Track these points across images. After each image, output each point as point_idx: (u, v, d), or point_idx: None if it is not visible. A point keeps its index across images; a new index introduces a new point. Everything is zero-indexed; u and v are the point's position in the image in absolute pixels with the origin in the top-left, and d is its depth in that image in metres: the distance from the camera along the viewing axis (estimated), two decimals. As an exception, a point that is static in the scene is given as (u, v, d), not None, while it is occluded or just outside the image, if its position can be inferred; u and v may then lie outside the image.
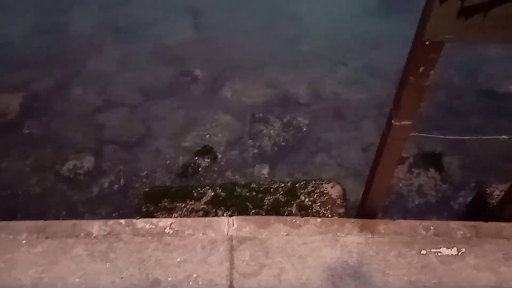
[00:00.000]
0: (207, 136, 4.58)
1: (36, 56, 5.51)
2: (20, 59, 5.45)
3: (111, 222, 2.98)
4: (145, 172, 4.24)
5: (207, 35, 5.99)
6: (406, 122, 2.33)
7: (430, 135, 2.78)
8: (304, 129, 4.73)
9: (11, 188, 4.08)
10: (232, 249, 2.81)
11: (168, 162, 4.34)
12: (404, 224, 2.98)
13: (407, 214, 3.81)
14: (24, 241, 2.84)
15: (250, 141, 4.58)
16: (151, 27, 6.02)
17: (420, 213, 3.84)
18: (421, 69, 2.09)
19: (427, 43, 1.98)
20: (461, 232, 2.89)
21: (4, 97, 4.81)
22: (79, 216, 3.84)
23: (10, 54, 5.54)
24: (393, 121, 2.34)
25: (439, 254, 2.79)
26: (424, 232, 2.90)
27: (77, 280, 2.64)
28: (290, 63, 5.53)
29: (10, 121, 4.63)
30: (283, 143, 4.57)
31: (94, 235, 2.88)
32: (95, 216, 3.80)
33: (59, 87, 5.10)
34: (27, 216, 3.76)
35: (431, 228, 2.92)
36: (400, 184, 4.10)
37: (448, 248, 2.81)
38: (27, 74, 5.19)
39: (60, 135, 4.56)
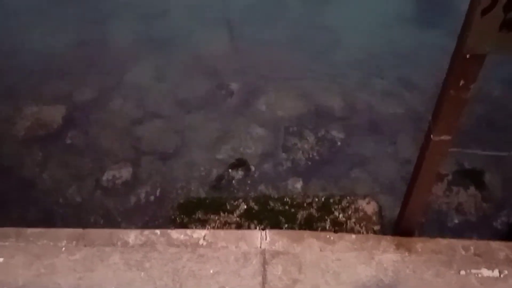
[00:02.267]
0: (241, 148, 4.60)
1: (77, 67, 5.73)
2: (62, 71, 5.67)
3: (147, 232, 3.04)
4: (180, 183, 4.31)
5: (241, 47, 6.06)
6: (445, 137, 2.27)
7: (470, 151, 2.70)
8: (339, 143, 4.69)
9: (53, 195, 4.23)
10: (264, 263, 2.80)
11: (202, 174, 4.39)
12: (443, 242, 2.88)
13: (445, 233, 3.68)
14: (63, 248, 2.94)
15: (284, 154, 4.57)
16: (188, 39, 6.15)
17: (460, 232, 3.70)
18: (462, 82, 2.05)
19: (467, 56, 1.94)
20: (503, 253, 2.77)
21: (49, 109, 5.02)
22: (116, 225, 3.92)
23: (52, 66, 5.77)
24: (432, 135, 2.29)
25: (479, 275, 2.68)
26: (463, 252, 2.80)
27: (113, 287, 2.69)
28: (324, 75, 5.51)
29: (53, 132, 4.82)
30: (317, 157, 4.54)
31: (130, 244, 2.94)
32: (131, 225, 3.87)
33: (99, 99, 5.27)
34: (66, 224, 3.89)
35: (471, 247, 2.81)
36: (439, 202, 3.98)
37: (489, 269, 2.70)
38: (68, 86, 5.40)
39: (99, 145, 4.70)
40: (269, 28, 6.32)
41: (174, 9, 6.68)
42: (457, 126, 2.27)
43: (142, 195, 4.20)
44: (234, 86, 5.40)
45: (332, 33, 6.18)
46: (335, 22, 6.34)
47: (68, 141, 4.76)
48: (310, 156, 4.55)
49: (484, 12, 1.85)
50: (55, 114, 4.94)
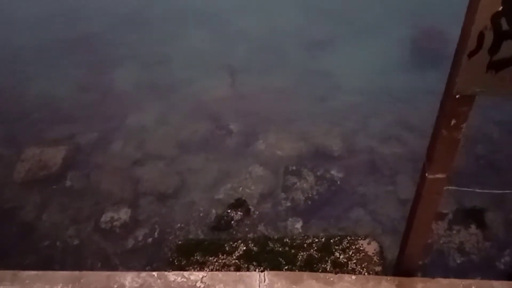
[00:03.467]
0: (241, 188, 4.61)
1: (80, 112, 5.84)
2: (65, 115, 5.78)
3: (144, 274, 3.00)
4: (179, 224, 4.28)
5: (242, 92, 6.19)
6: (440, 175, 2.29)
7: (468, 189, 2.70)
8: (338, 182, 4.69)
9: (50, 238, 4.21)
10: (263, 305, 2.74)
11: (201, 214, 4.37)
12: (444, 283, 2.83)
13: (448, 273, 3.62)
14: (59, 292, 2.89)
15: (283, 194, 4.56)
16: (189, 85, 6.30)
17: (462, 273, 3.63)
18: (453, 122, 2.09)
19: (457, 96, 1.99)
20: (507, 293, 2.72)
21: (49, 150, 5.07)
22: (114, 267, 3.87)
23: (56, 110, 5.89)
24: (427, 174, 2.31)
25: (483, 316, 2.61)
26: (466, 292, 2.75)
27: (107, 333, 2.63)
28: (323, 117, 5.59)
29: (53, 173, 4.84)
30: (317, 197, 4.53)
31: (127, 287, 2.89)
32: (129, 268, 3.82)
33: (100, 141, 5.34)
34: (64, 266, 3.84)
35: (473, 287, 2.76)
36: (440, 241, 3.93)
37: (492, 310, 2.64)
38: (71, 129, 5.48)
39: (99, 187, 4.72)
40: (269, 73, 6.49)
41: (176, 57, 6.90)
42: (451, 165, 2.29)
43: (140, 237, 4.17)
44: (234, 127, 5.47)
45: (330, 78, 6.34)
46: (333, 68, 6.52)
47: (68, 183, 4.77)
48: (310, 196, 4.54)
49: (471, 54, 1.92)
50: (55, 156, 4.98)
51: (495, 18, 1.84)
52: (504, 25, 1.86)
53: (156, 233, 4.20)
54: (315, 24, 7.63)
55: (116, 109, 5.89)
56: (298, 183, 4.64)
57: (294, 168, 4.83)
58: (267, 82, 6.29)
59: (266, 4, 8.19)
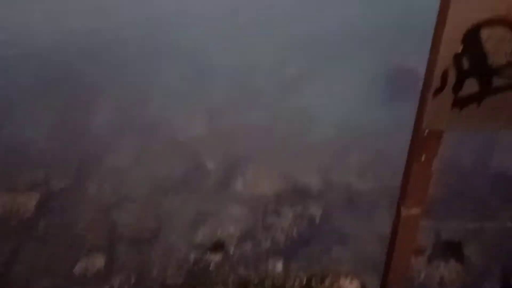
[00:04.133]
0: (219, 230, 4.53)
1: (54, 155, 5.73)
2: (38, 159, 5.66)
3: (118, 324, 2.87)
4: (157, 269, 4.16)
5: (219, 130, 6.22)
6: (415, 210, 2.31)
7: (444, 222, 2.73)
8: (317, 220, 4.68)
9: (22, 290, 4.02)
10: None
11: (179, 258, 4.26)
12: (427, 320, 2.80)
13: (430, 308, 3.59)
14: None
15: (263, 234, 4.51)
16: (166, 124, 6.29)
17: (445, 307, 3.62)
18: (424, 157, 2.13)
19: (425, 132, 2.04)
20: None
21: (21, 197, 4.92)
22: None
23: (28, 154, 5.77)
24: (401, 209, 2.33)
25: None
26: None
27: None
28: (300, 154, 5.64)
29: (26, 221, 4.69)
30: (297, 236, 4.49)
31: None
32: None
33: (75, 186, 5.23)
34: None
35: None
36: (421, 277, 3.92)
37: None
38: (44, 174, 5.36)
39: (73, 234, 4.57)
40: (246, 110, 6.55)
41: (152, 95, 6.92)
42: (426, 199, 2.32)
43: (116, 285, 4.02)
44: (212, 167, 5.46)
45: (306, 114, 6.44)
46: (309, 103, 6.64)
47: (41, 231, 4.61)
48: (290, 234, 4.50)
49: (436, 92, 1.98)
50: (28, 202, 4.83)
51: (457, 58, 1.92)
52: (466, 65, 1.94)
53: (132, 280, 4.06)
54: (291, 59, 7.82)
55: (90, 151, 5.80)
56: (277, 222, 4.60)
57: (273, 206, 4.80)
58: (244, 119, 6.34)
59: (242, 38, 8.38)
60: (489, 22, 1.86)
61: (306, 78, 7.28)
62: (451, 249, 4.09)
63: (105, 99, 6.80)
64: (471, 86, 1.99)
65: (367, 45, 7.78)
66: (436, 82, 1.96)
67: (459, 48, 1.89)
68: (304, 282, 3.76)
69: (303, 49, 8.08)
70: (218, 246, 4.32)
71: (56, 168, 5.48)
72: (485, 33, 1.88)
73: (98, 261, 4.21)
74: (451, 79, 1.96)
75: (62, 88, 7.14)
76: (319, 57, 7.76)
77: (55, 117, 6.50)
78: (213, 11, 9.25)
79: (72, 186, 5.22)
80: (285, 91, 7.07)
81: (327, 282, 3.74)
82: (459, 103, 2.02)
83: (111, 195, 5.07)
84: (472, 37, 1.88)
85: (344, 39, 8.18)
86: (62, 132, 6.19)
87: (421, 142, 2.08)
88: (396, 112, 6.16)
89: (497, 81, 1.98)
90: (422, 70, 2.06)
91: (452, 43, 1.88)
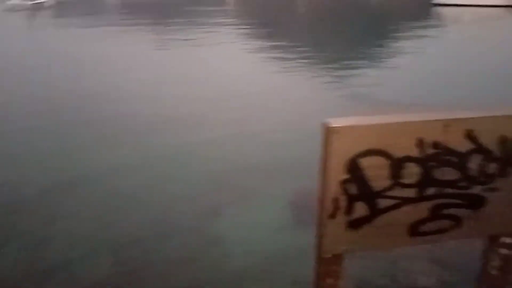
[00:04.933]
0: None
1: None
2: None
3: None
4: None
5: (127, 269, 5.83)
6: None
7: None
8: None
9: None
10: None
11: None
12: None
13: None
14: None
15: None
16: (69, 267, 5.78)
17: None
18: (328, 281, 2.17)
19: (326, 256, 2.12)
20: None
21: None
22: None
23: None
24: None
25: None
26: None
27: None
28: (220, 285, 5.41)
29: None
30: None
31: None
32: None
33: None
34: None
35: None
36: None
37: None
38: None
39: None
40: (159, 246, 6.30)
41: (57, 237, 6.45)
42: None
43: None
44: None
45: (220, 245, 6.35)
46: (224, 234, 6.59)
47: None
48: None
49: (330, 217, 2.12)
50: None
51: (344, 184, 2.11)
52: (353, 190, 2.14)
53: None
54: (204, 192, 7.90)
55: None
56: None
57: None
58: (156, 256, 6.05)
59: (154, 167, 8.38)
60: (367, 153, 2.12)
61: (221, 208, 7.35)
62: None
63: (7, 243, 6.19)
64: (361, 208, 2.17)
65: (272, 173, 8.25)
66: (329, 207, 2.11)
67: (345, 176, 2.10)
68: None
69: (216, 179, 8.28)
70: None
71: None
72: (364, 162, 2.12)
73: None
74: (342, 203, 2.12)
75: None
76: (230, 187, 7.98)
77: None
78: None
79: None
80: (201, 223, 6.99)
81: None
82: (353, 225, 2.17)
83: None
84: (354, 166, 2.11)
85: (252, 168, 8.62)
86: None
87: (323, 266, 2.14)
88: (306, 235, 6.34)
89: (382, 203, 2.19)
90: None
91: (337, 172, 2.09)
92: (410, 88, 9.91)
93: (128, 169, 8.39)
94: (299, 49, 18.68)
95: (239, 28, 27.47)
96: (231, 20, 34.91)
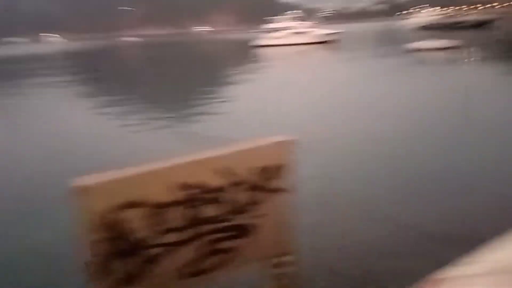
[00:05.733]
0: None
1: None
2: None
3: None
4: None
5: None
6: None
7: None
8: None
9: None
10: None
11: None
12: None
13: None
14: None
15: None
16: None
17: None
18: None
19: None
20: None
21: None
22: None
23: None
24: None
25: None
26: None
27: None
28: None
29: None
30: None
31: None
32: None
33: None
34: None
35: None
36: None
37: None
38: None
39: None
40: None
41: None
42: None
43: None
44: None
45: None
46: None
47: None
48: None
49: (96, 280, 1.99)
50: None
51: (103, 243, 2.01)
52: (115, 247, 2.04)
53: None
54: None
55: None
56: None
57: None
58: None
59: None
60: (124, 206, 2.05)
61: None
62: None
63: None
64: (129, 264, 2.08)
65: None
66: (92, 271, 1.98)
67: (103, 234, 2.00)
68: None
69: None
70: None
71: None
72: (124, 216, 2.05)
73: None
74: (106, 264, 2.01)
75: None
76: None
77: None
78: None
79: None
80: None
81: None
82: (125, 284, 2.06)
83: None
84: (112, 223, 2.03)
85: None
86: None
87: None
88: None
89: (151, 253, 2.14)
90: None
91: (93, 232, 1.97)
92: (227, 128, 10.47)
93: None
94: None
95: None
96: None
